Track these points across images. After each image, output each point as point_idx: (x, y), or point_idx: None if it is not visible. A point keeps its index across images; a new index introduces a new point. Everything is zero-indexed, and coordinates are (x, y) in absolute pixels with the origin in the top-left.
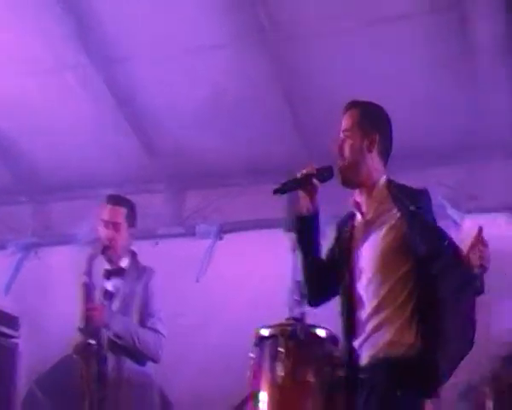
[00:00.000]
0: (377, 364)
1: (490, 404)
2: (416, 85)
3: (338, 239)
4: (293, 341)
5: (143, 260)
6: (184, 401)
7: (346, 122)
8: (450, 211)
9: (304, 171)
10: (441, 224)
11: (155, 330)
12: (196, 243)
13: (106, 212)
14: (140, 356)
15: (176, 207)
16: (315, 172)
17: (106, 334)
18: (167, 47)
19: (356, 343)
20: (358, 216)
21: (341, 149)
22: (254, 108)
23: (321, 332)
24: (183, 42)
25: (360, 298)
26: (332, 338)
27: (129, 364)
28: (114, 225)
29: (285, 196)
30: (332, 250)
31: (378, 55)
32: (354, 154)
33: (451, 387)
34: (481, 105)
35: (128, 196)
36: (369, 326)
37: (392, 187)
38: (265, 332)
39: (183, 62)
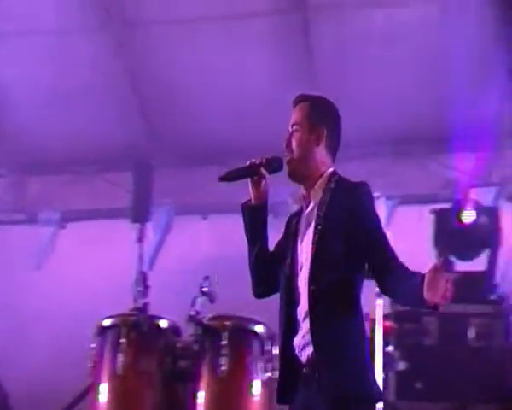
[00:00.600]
0: (319, 360)
1: None
2: (255, 81)
3: (286, 233)
4: (136, 331)
5: None
6: (23, 393)
7: (294, 116)
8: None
9: (253, 160)
10: (282, 219)
11: None
12: (38, 231)
13: None
14: None
15: (17, 193)
16: (264, 161)
17: None
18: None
19: (295, 340)
20: (305, 211)
21: (289, 142)
22: (99, 94)
23: (163, 323)
24: (25, 23)
25: (299, 294)
26: (174, 329)
27: None
28: None
29: (131, 187)
30: (280, 244)
31: (224, 48)
32: (301, 147)
33: None
34: None
35: None
36: (306, 324)
37: (333, 180)
38: (107, 322)
39: (21, 44)
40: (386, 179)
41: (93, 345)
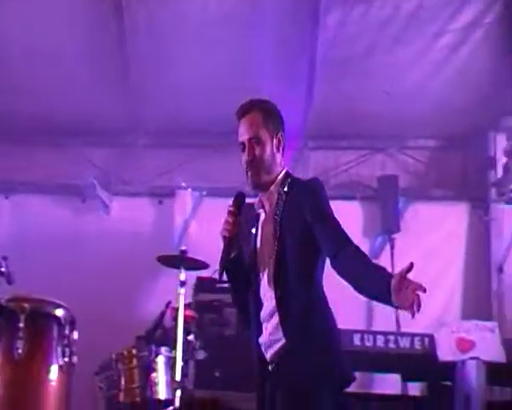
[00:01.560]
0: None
1: (123, 380)
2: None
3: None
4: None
5: None
6: None
7: (249, 128)
8: (100, 192)
9: (227, 228)
10: (90, 203)
11: None
12: None
13: None
14: None
15: None
16: (234, 209)
17: None
18: None
19: (260, 339)
20: (262, 215)
21: (253, 157)
22: None
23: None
24: None
25: (263, 296)
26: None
27: None
28: None
29: None
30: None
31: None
32: (267, 159)
33: (91, 360)
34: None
35: None
36: (272, 323)
37: (286, 182)
38: None
39: None
40: (192, 171)
41: None
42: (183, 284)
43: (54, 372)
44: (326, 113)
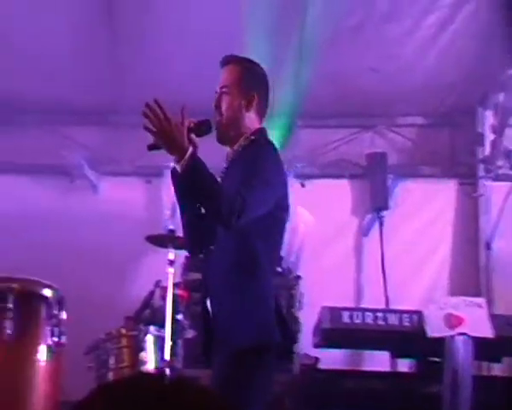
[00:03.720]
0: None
1: (112, 360)
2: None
3: None
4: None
5: None
6: None
7: (224, 77)
8: (88, 172)
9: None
10: (78, 183)
11: None
12: None
13: None
14: None
15: None
16: (192, 125)
17: None
18: None
19: (208, 304)
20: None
21: (218, 104)
22: None
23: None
24: None
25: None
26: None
27: None
28: None
29: None
30: None
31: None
32: (231, 111)
33: (80, 341)
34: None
35: None
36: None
37: (246, 140)
38: None
39: None
40: None
41: None
42: (171, 263)
43: (43, 352)
44: (314, 91)
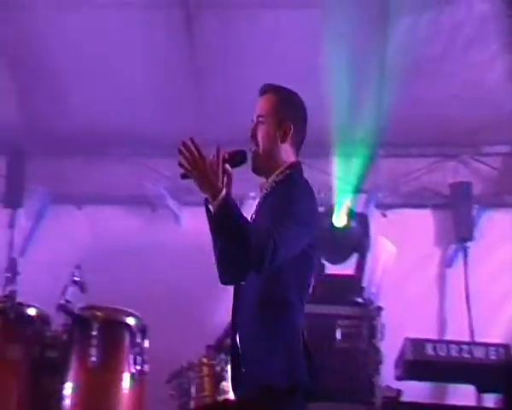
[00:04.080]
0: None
1: (193, 389)
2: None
3: None
4: (2, 318)
5: None
6: None
7: (261, 106)
8: (170, 202)
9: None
10: (160, 213)
11: None
12: None
13: None
14: None
15: None
16: (227, 157)
17: None
18: None
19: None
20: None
21: (254, 133)
22: None
23: (31, 311)
24: None
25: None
26: (43, 318)
27: None
28: None
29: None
30: None
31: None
32: (267, 142)
33: (162, 369)
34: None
35: None
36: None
37: (282, 174)
38: None
39: None
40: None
41: None
42: None
43: (127, 380)
44: (396, 119)
